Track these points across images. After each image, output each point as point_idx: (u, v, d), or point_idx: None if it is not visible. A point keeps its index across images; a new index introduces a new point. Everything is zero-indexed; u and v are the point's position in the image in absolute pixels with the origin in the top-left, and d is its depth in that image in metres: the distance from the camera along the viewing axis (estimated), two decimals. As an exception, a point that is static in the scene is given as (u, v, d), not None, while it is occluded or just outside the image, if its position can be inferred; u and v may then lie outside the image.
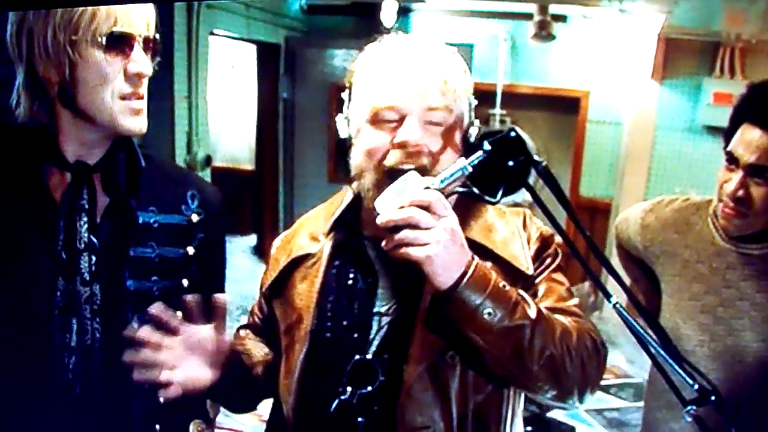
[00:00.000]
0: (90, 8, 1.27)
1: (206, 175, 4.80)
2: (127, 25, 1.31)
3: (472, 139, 1.39)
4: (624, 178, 5.87)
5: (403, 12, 6.00)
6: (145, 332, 1.30)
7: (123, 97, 1.33)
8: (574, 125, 6.28)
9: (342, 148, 1.41)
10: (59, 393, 1.36)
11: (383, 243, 1.18)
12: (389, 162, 1.30)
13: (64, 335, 1.35)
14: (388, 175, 1.26)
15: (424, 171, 1.26)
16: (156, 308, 1.34)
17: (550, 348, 1.22)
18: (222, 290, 1.66)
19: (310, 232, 1.52)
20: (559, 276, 1.41)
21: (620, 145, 6.03)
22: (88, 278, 1.36)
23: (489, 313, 1.18)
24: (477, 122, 1.43)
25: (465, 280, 1.18)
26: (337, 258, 1.45)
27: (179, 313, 1.45)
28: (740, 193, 1.67)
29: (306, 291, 1.43)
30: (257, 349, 1.56)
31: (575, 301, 1.38)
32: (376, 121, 1.32)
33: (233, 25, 5.18)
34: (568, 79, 6.13)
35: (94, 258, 1.37)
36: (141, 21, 1.34)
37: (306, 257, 1.47)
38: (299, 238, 1.52)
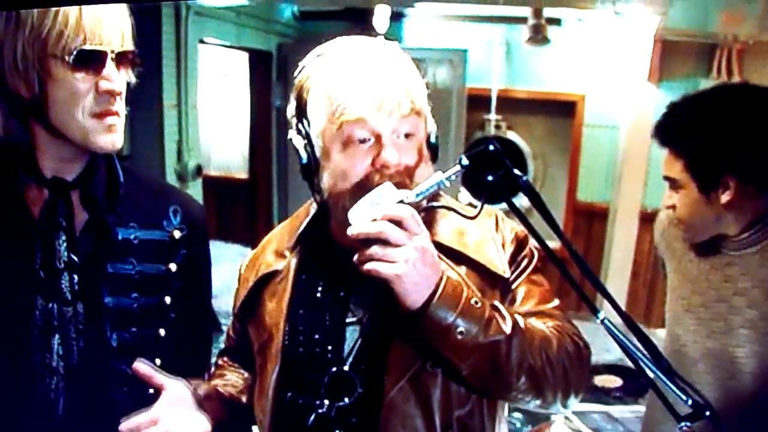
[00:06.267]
0: (58, 24, 1.22)
1: (197, 184, 4.75)
2: (97, 41, 1.26)
3: (433, 139, 1.37)
4: (621, 182, 5.82)
5: (396, 17, 5.97)
6: (135, 418, 1.24)
7: (95, 115, 1.28)
8: (570, 129, 6.22)
9: (306, 170, 1.35)
10: (42, 414, 1.34)
11: (355, 257, 1.15)
12: (368, 183, 1.25)
13: (45, 355, 1.32)
14: (366, 192, 1.22)
15: (401, 185, 1.22)
16: (138, 365, 1.31)
17: (529, 360, 1.21)
18: (207, 307, 1.65)
19: (275, 249, 1.49)
20: (537, 277, 1.39)
21: (617, 148, 5.98)
22: (70, 297, 1.34)
23: (461, 332, 1.16)
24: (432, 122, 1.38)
25: (435, 299, 1.15)
26: (304, 272, 1.42)
27: (162, 331, 1.45)
28: (668, 202, 1.78)
29: (275, 309, 1.40)
30: (237, 377, 1.55)
31: (556, 302, 1.37)
32: (348, 142, 1.26)
33: (223, 32, 5.12)
34: (563, 82, 6.08)
35: (76, 277, 1.34)
36: (114, 35, 1.30)
37: (274, 274, 1.44)
38: (266, 256, 1.49)
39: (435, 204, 1.30)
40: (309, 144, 1.33)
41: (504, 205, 1.21)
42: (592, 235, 6.04)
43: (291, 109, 1.38)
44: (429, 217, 1.31)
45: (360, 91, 1.25)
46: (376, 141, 1.25)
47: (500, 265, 1.35)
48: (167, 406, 1.28)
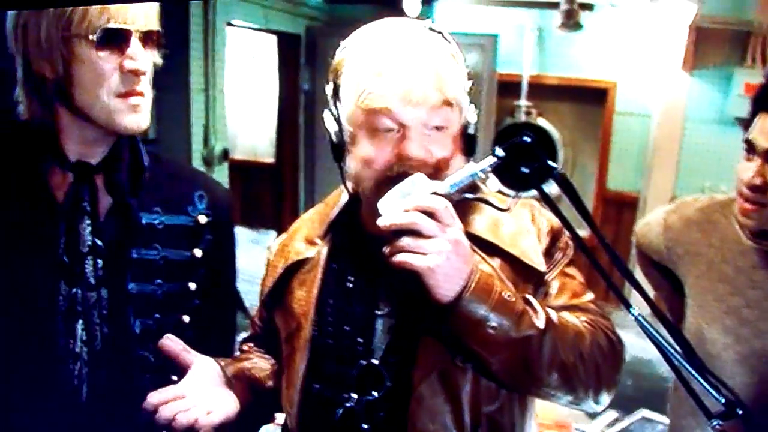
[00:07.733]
0: None
1: (224, 169, 4.76)
2: (122, 19, 1.25)
3: (471, 130, 1.30)
4: (652, 171, 5.77)
5: (427, 1, 5.92)
6: (163, 392, 1.21)
7: (120, 95, 1.27)
8: (601, 117, 6.17)
9: (336, 152, 1.31)
10: (64, 400, 1.33)
11: (385, 248, 1.12)
12: (390, 172, 1.20)
13: (68, 341, 1.31)
14: (390, 182, 1.17)
15: (429, 177, 1.17)
16: (166, 341, 1.28)
17: (561, 355, 1.18)
18: (232, 294, 1.64)
19: (305, 236, 1.45)
20: (571, 270, 1.35)
21: (649, 137, 5.93)
22: (93, 282, 1.33)
23: (493, 327, 1.13)
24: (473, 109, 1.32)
25: (467, 293, 1.12)
26: (335, 261, 1.38)
27: (186, 318, 1.44)
28: (757, 180, 1.61)
29: (304, 297, 1.37)
30: (264, 361, 1.52)
31: (590, 296, 1.34)
32: (374, 130, 1.22)
33: (251, 15, 5.12)
34: (595, 69, 6.02)
35: (100, 262, 1.33)
36: (139, 14, 1.29)
37: (303, 262, 1.41)
38: (295, 243, 1.45)
39: (469, 196, 1.26)
40: (339, 127, 1.29)
41: (533, 192, 1.18)
42: (621, 224, 5.99)
43: (328, 90, 1.33)
44: (463, 208, 1.27)
45: (386, 80, 1.20)
46: (402, 132, 1.21)
47: (536, 258, 1.31)
48: (194, 382, 1.26)
